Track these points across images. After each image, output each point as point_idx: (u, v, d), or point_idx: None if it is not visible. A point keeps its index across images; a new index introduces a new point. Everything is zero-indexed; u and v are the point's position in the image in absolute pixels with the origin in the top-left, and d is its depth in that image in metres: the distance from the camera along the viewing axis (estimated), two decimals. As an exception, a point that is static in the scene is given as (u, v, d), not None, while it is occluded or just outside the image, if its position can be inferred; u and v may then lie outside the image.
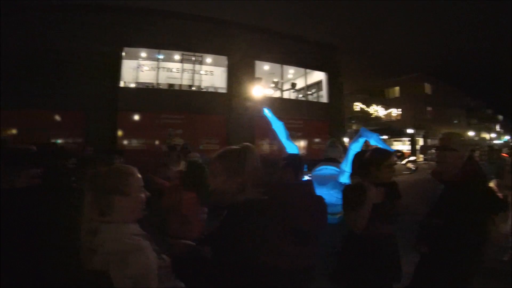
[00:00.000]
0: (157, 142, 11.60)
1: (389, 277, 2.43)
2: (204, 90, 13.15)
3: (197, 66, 13.11)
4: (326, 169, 3.65)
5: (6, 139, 9.38)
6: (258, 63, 14.09)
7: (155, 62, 12.70)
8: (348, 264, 2.43)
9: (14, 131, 10.83)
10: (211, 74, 13.35)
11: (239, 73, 13.15)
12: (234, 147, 1.71)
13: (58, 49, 10.94)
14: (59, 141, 10.75)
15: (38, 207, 1.98)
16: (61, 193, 2.27)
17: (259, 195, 1.66)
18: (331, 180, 3.49)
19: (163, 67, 12.74)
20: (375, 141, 3.68)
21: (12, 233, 1.88)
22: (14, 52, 10.69)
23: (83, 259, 1.42)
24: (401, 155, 19.70)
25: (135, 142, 11.59)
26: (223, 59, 13.31)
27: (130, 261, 1.33)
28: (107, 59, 11.26)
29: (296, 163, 2.77)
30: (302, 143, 14.10)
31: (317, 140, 14.74)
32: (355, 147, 3.42)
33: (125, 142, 11.48)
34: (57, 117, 11.37)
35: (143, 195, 1.53)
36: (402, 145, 27.25)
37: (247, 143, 1.75)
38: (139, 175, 1.55)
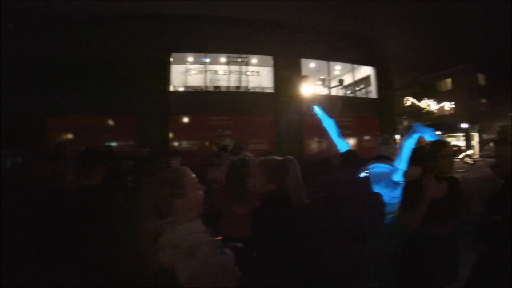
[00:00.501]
0: (207, 144, 11.76)
1: (445, 279, 2.31)
2: (251, 90, 13.14)
3: (243, 67, 13.14)
4: (378, 167, 3.54)
5: (64, 142, 10.04)
6: (304, 61, 13.84)
7: (202, 66, 12.93)
8: (404, 264, 2.36)
9: (70, 135, 11.54)
10: (257, 74, 13.33)
11: (285, 72, 12.98)
12: (278, 158, 1.90)
13: (110, 57, 11.52)
14: (113, 144, 11.35)
15: (101, 205, 2.07)
16: (121, 192, 2.40)
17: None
18: (383, 179, 3.37)
19: (210, 70, 12.92)
20: (430, 136, 3.44)
21: (78, 229, 1.98)
22: (69, 61, 11.46)
23: (147, 257, 1.45)
24: (457, 149, 18.45)
25: (185, 144, 11.84)
26: (269, 59, 13.24)
27: (194, 256, 1.36)
28: (156, 65, 11.71)
29: (353, 159, 2.74)
30: (352, 141, 13.59)
31: (367, 137, 14.14)
32: (409, 144, 3.30)
33: (176, 144, 11.77)
34: (111, 122, 11.97)
35: (200, 192, 1.57)
36: (456, 141, 25.53)
37: (290, 157, 1.90)
38: (193, 174, 1.59)
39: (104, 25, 12.24)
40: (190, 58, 13.00)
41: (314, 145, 12.74)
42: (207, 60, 12.98)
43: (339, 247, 2.15)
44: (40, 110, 11.38)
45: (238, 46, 12.72)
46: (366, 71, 15.43)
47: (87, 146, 2.63)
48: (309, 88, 13.53)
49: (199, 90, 12.76)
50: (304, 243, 1.67)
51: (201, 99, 12.24)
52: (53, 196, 2.58)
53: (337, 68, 15.33)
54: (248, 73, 13.24)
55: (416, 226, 2.22)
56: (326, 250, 1.84)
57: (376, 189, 3.13)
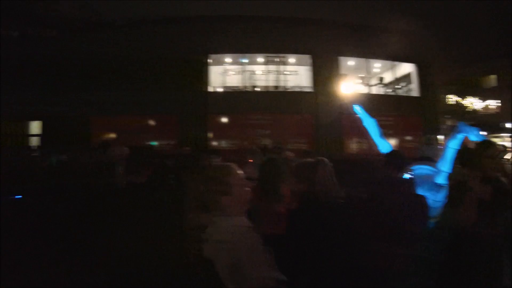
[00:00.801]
0: (245, 143, 11.79)
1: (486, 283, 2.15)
2: (290, 90, 13.04)
3: (281, 67, 13.07)
4: (421, 169, 3.30)
5: (108, 142, 10.45)
6: (342, 59, 13.53)
7: (240, 66, 12.99)
8: (448, 269, 2.19)
9: (112, 135, 11.96)
10: (295, 74, 13.22)
11: (323, 71, 12.77)
12: (310, 159, 1.95)
13: (152, 60, 11.86)
14: (155, 143, 11.67)
15: (149, 202, 1.99)
16: (166, 189, 2.31)
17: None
18: (426, 181, 3.13)
19: (248, 70, 12.95)
20: (476, 136, 3.20)
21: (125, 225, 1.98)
22: (112, 64, 11.92)
23: (190, 252, 1.46)
24: (503, 150, 17.32)
25: (224, 143, 11.94)
26: (307, 58, 13.06)
27: (237, 250, 1.39)
28: (195, 67, 11.93)
29: (397, 160, 2.71)
30: (393, 141, 13.13)
31: (409, 137, 13.61)
32: (453, 144, 3.06)
33: (215, 143, 11.90)
34: (153, 121, 12.31)
35: (246, 189, 1.60)
36: (502, 142, 23.99)
37: (322, 158, 1.93)
38: (240, 171, 1.61)
39: (145, 28, 12.60)
40: (228, 59, 13.10)
41: (354, 145, 12.43)
42: (245, 60, 13.01)
43: (378, 250, 2.05)
44: (84, 111, 11.90)
45: (275, 46, 12.65)
46: (407, 68, 14.86)
47: (135, 146, 2.72)
48: (349, 87, 13.22)
49: (237, 90, 12.82)
50: (340, 244, 1.67)
51: (240, 99, 12.29)
52: (101, 193, 2.65)
53: (377, 65, 14.87)
54: (286, 72, 13.15)
55: (462, 229, 2.12)
56: (365, 252, 1.80)
57: (419, 192, 3.03)
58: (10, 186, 4.94)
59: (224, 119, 12.21)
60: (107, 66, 12.01)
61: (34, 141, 13.43)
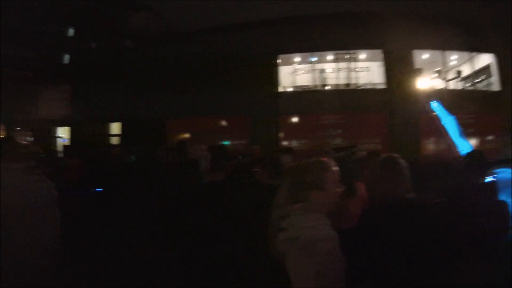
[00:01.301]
0: (317, 143, 11.73)
1: None
2: (362, 87, 12.69)
3: (352, 64, 12.74)
4: (504, 173, 3.01)
5: (185, 142, 10.97)
6: (416, 52, 12.85)
7: (310, 65, 12.87)
8: None
9: (187, 136, 12.51)
10: (367, 70, 12.82)
11: (396, 66, 12.22)
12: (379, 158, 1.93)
13: (223, 63, 12.17)
14: (227, 143, 12.02)
15: (229, 199, 2.22)
16: (245, 187, 2.55)
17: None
18: (508, 186, 2.86)
19: (318, 69, 12.79)
20: None
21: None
22: (185, 69, 12.43)
23: (268, 241, 1.51)
24: None
25: (295, 143, 11.96)
26: (378, 53, 12.59)
27: (316, 249, 1.35)
28: (265, 68, 12.03)
29: (478, 162, 2.53)
30: (473, 141, 12.29)
31: (491, 137, 12.63)
32: None
33: (287, 143, 11.96)
34: (226, 123, 12.69)
35: (338, 190, 1.56)
36: None
37: (392, 154, 1.89)
38: (336, 169, 1.58)
39: (215, 33, 12.95)
40: (297, 58, 13.05)
41: (431, 146, 11.83)
42: (314, 59, 12.87)
43: (453, 258, 1.92)
44: (160, 113, 12.60)
45: (345, 42, 12.37)
46: (486, 59, 13.75)
47: (215, 145, 2.85)
48: (424, 82, 12.56)
49: (307, 90, 12.75)
50: (414, 248, 1.59)
51: (310, 99, 12.21)
52: (186, 189, 2.78)
53: (453, 57, 13.93)
54: (357, 69, 12.79)
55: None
56: (438, 260, 1.68)
57: (501, 197, 2.80)
58: (94, 181, 5.43)
59: (295, 119, 12.21)
60: (181, 72, 12.58)
61: (114, 141, 14.45)
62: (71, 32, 19.70)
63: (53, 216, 2.26)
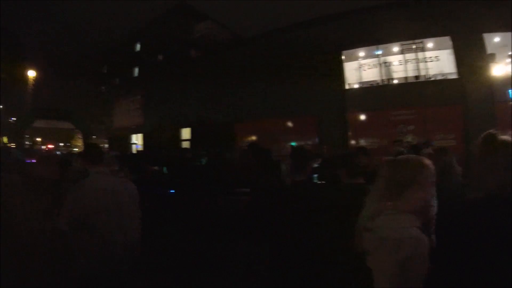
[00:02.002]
0: (387, 141, 11.58)
1: None
2: (432, 79, 12.20)
3: (420, 54, 12.26)
4: None
5: (257, 144, 11.39)
6: (486, 36, 12.03)
7: (375, 59, 12.61)
8: None
9: (255, 138, 12.97)
10: (436, 59, 12.24)
11: (467, 52, 11.56)
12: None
13: (288, 64, 12.33)
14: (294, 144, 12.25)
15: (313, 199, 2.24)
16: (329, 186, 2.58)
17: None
18: None
19: (384, 62, 12.51)
20: None
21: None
22: (250, 73, 12.76)
23: (354, 240, 1.50)
24: None
25: (364, 142, 11.87)
26: (447, 40, 11.97)
27: (403, 249, 1.30)
28: (330, 65, 11.99)
29: None
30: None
31: None
32: None
33: (356, 142, 11.95)
34: (293, 123, 12.95)
35: (433, 190, 1.48)
36: None
37: (443, 145, 1.84)
38: (433, 167, 1.50)
39: (275, 36, 13.10)
40: (362, 53, 12.80)
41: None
42: (379, 52, 12.58)
43: None
44: (228, 117, 13.16)
45: (410, 32, 11.86)
46: None
47: (298, 146, 2.90)
48: (499, 68, 11.79)
49: (375, 85, 12.54)
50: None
51: (378, 94, 12.02)
52: (272, 189, 2.80)
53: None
54: (425, 59, 12.29)
55: None
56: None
57: None
58: (172, 182, 5.79)
59: (363, 116, 12.12)
60: (245, 76, 12.98)
61: (185, 145, 15.39)
62: (137, 47, 21.25)
63: (138, 215, 2.48)
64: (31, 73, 21.39)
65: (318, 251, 2.06)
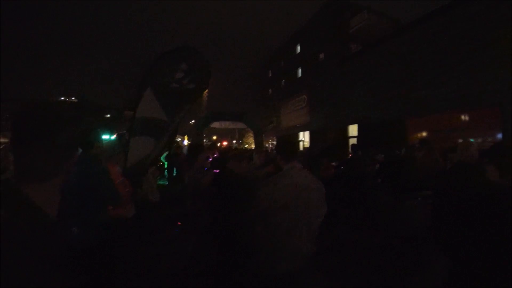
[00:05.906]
0: None
1: None
2: None
3: None
4: None
5: (426, 140, 10.17)
6: None
7: None
8: None
9: (427, 134, 11.53)
10: None
11: None
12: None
13: (453, 47, 10.35)
14: (472, 140, 10.29)
15: None
16: None
17: None
18: None
19: None
20: None
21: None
22: (413, 61, 11.29)
23: None
24: None
25: None
26: None
27: None
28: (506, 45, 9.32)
29: None
30: None
31: None
32: None
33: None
34: (470, 116, 10.95)
35: None
36: None
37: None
38: None
39: (437, 16, 11.13)
40: None
41: None
42: None
43: None
44: (401, 113, 12.19)
45: None
46: None
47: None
48: None
49: None
50: None
51: None
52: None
53: None
54: None
55: None
56: None
57: None
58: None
59: None
60: (411, 67, 11.71)
61: (352, 142, 15.30)
62: (298, 49, 22.21)
63: (323, 213, 2.35)
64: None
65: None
